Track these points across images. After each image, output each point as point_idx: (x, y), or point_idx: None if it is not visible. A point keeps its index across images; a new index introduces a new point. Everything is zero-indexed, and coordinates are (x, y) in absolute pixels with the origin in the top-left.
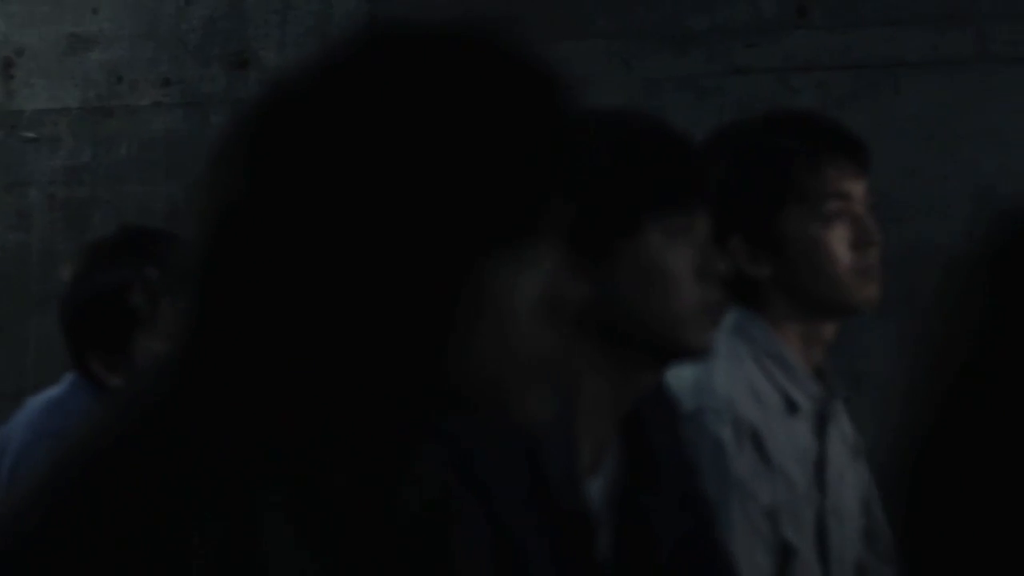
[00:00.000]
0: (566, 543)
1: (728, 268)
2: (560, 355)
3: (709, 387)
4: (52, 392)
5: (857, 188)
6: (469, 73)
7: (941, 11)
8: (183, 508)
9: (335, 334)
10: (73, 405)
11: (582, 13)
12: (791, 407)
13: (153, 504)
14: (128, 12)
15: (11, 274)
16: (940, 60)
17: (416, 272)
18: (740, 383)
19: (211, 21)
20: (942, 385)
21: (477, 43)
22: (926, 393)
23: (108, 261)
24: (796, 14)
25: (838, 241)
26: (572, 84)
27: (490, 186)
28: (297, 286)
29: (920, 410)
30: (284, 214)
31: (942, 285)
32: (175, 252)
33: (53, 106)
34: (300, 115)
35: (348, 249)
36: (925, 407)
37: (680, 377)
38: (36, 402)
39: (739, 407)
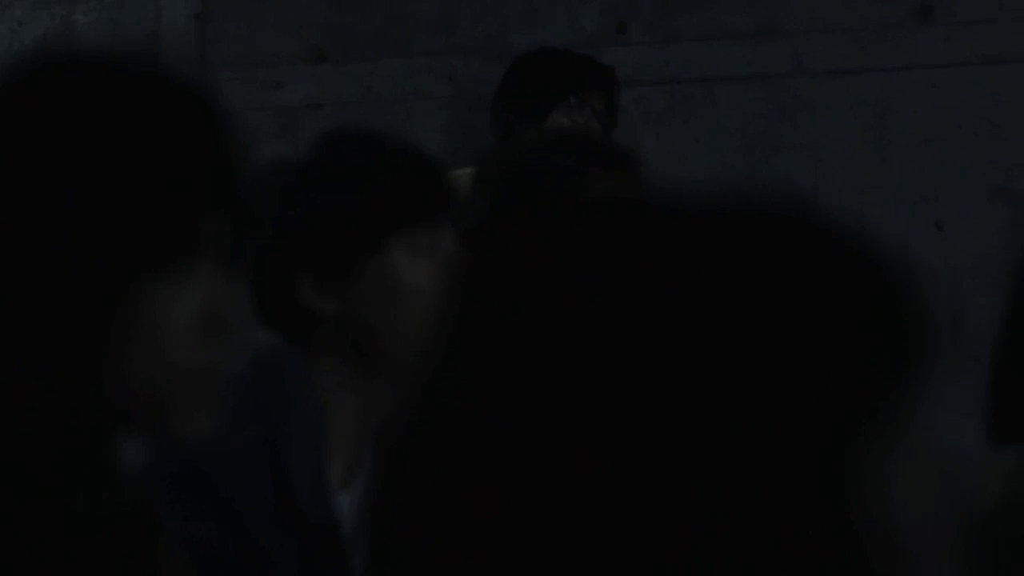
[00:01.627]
0: (317, 559)
1: None
2: (220, 370)
3: None
4: None
5: None
6: (121, 97)
7: (756, 26)
8: None
9: None
10: None
11: (406, 30)
12: None
13: None
14: None
15: None
16: (755, 75)
17: (68, 291)
18: None
19: (44, 42)
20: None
21: (132, 69)
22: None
23: None
24: (616, 31)
25: None
26: (224, 107)
27: (142, 207)
28: None
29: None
30: None
31: None
32: None
33: None
34: None
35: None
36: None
37: None
38: None
39: None
